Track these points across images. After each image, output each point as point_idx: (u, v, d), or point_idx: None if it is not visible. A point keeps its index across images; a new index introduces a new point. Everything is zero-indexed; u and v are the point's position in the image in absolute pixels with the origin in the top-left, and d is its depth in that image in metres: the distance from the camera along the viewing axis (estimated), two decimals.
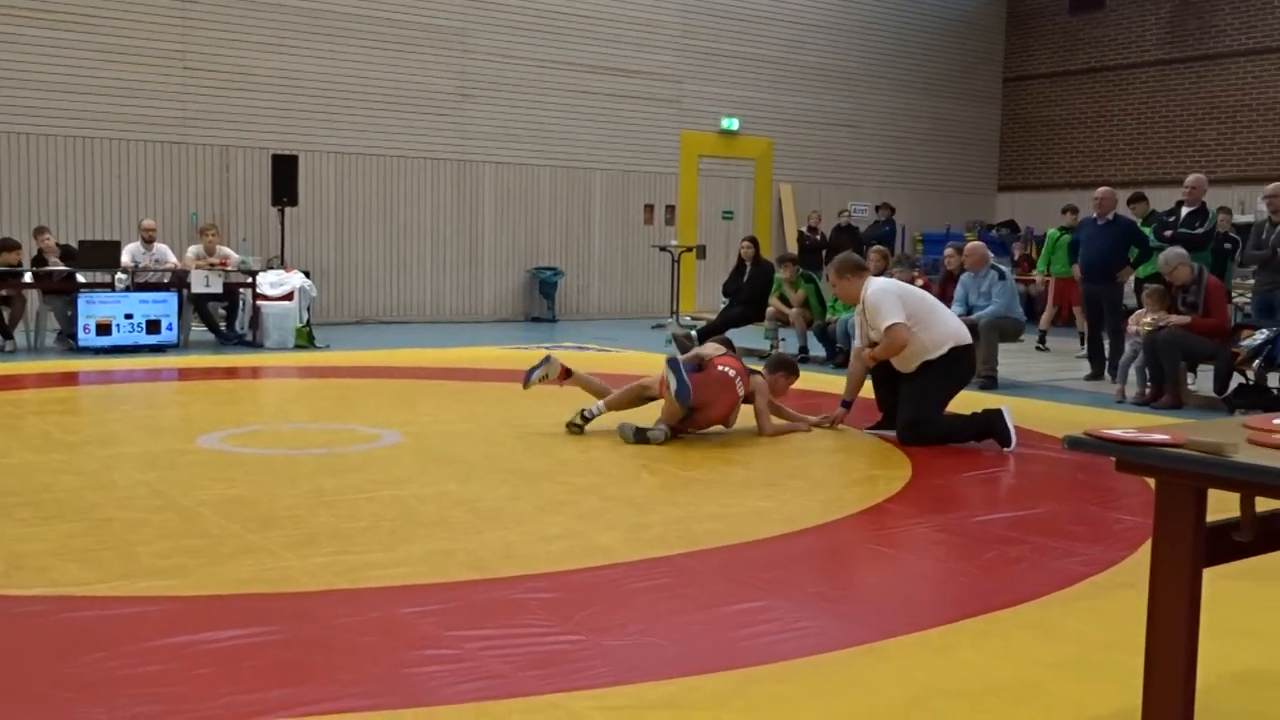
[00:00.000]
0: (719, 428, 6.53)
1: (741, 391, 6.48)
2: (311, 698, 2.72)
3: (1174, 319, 8.34)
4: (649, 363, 10.07)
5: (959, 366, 6.60)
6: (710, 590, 3.66)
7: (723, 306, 12.26)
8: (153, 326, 10.88)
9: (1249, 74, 17.54)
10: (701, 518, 4.62)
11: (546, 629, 3.24)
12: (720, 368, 6.43)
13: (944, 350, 6.48)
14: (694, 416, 6.32)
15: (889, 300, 6.48)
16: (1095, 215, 9.99)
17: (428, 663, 2.96)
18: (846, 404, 6.82)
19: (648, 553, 4.07)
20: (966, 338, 6.68)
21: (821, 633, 3.28)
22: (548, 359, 6.77)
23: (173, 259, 11.62)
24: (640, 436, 6.14)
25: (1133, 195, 12.03)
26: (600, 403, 6.49)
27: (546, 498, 4.93)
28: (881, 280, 6.88)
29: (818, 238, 17.00)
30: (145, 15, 13.20)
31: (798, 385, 7.28)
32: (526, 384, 6.75)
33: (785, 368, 7.09)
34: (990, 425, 6.33)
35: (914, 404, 6.45)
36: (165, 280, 11.33)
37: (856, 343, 6.94)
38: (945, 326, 6.60)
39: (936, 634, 3.27)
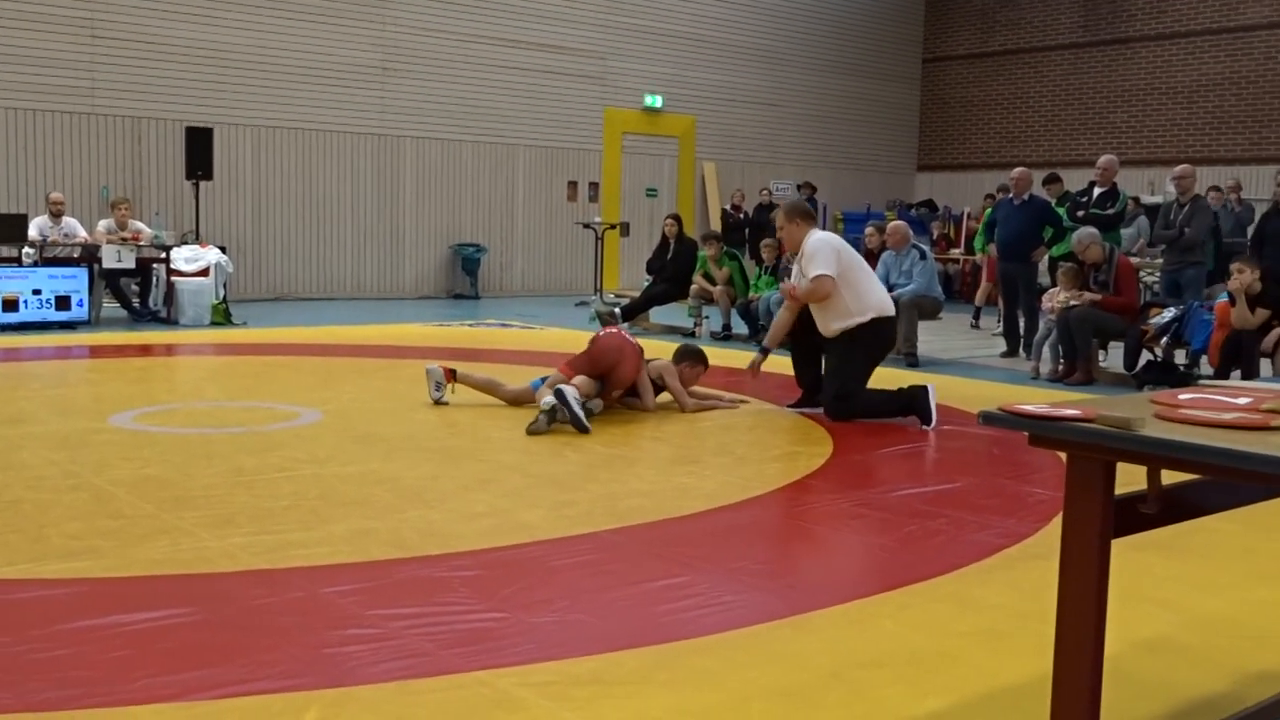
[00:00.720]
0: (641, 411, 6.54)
1: (634, 341, 6.60)
2: (230, 679, 2.68)
3: (1086, 297, 8.54)
4: (573, 340, 10.03)
5: (879, 338, 6.68)
6: (634, 566, 3.68)
7: (646, 284, 12.27)
8: (62, 303, 10.57)
9: (1158, 59, 17.97)
10: (625, 494, 4.63)
11: (470, 607, 3.23)
12: (603, 332, 6.66)
13: (866, 318, 6.55)
14: (609, 380, 6.38)
15: (826, 252, 6.56)
16: (1011, 195, 10.19)
17: (349, 642, 2.93)
18: (765, 350, 6.86)
19: (571, 530, 4.07)
20: (890, 310, 6.77)
21: (744, 607, 3.31)
22: (427, 372, 6.70)
23: (83, 233, 11.29)
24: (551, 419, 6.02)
25: (1048, 176, 12.26)
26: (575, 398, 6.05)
27: (470, 476, 4.90)
28: (826, 234, 6.93)
29: (741, 216, 17.08)
30: None
31: (723, 363, 7.28)
32: (438, 401, 6.63)
33: (691, 358, 6.79)
34: (914, 402, 6.43)
35: (839, 378, 6.54)
36: (75, 255, 11.01)
37: (785, 283, 6.99)
38: (872, 295, 6.67)
39: (856, 606, 3.33)
